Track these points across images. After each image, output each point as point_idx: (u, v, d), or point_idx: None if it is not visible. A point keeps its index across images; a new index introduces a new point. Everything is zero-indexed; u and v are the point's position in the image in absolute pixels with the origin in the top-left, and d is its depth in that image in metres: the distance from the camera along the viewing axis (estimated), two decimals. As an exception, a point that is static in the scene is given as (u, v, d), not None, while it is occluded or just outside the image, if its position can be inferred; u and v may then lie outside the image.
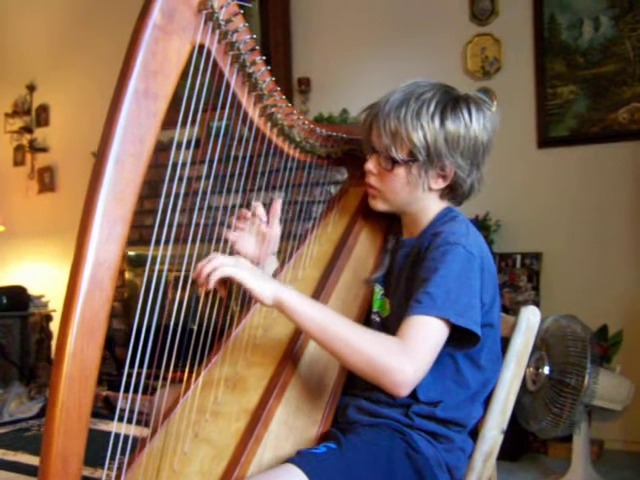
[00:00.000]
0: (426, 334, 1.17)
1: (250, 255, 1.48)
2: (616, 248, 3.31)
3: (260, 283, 1.16)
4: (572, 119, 3.42)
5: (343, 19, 4.08)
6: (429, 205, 1.38)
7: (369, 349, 1.15)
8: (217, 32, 1.10)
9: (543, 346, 2.63)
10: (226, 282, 1.18)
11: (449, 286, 1.20)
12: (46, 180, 5.30)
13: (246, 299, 1.39)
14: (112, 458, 1.02)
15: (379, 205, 1.43)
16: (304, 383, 1.29)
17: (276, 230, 1.49)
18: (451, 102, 1.32)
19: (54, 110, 5.32)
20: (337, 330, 1.16)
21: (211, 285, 1.14)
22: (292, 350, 1.32)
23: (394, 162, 1.34)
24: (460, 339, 1.22)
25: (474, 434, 1.35)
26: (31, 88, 5.37)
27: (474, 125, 1.31)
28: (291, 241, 1.62)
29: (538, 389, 2.61)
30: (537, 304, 3.26)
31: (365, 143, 1.43)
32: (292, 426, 1.22)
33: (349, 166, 1.71)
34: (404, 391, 1.15)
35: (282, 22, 4.19)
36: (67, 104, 5.22)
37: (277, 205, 1.47)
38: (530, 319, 1.32)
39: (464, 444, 1.33)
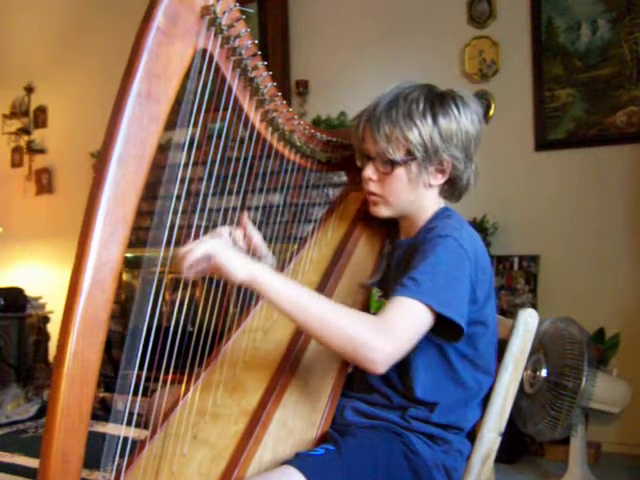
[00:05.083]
0: (407, 315, 1.17)
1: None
2: (613, 251, 3.31)
3: (234, 257, 1.13)
4: (570, 122, 3.42)
5: (341, 22, 4.09)
6: (428, 203, 1.39)
7: (347, 326, 1.14)
8: (219, 37, 1.10)
9: (540, 349, 2.64)
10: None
11: (436, 275, 1.20)
12: (44, 182, 5.30)
13: (245, 302, 1.40)
14: (112, 460, 1.02)
15: (382, 211, 1.42)
16: (303, 385, 1.29)
17: (255, 235, 1.45)
18: (438, 99, 1.34)
19: (52, 111, 5.32)
20: (313, 308, 1.15)
21: (192, 260, 1.10)
22: (291, 352, 1.32)
23: (393, 164, 1.34)
24: (445, 330, 1.21)
25: (472, 436, 1.35)
26: (29, 89, 5.38)
27: (463, 119, 1.34)
28: (287, 243, 1.62)
29: (535, 392, 2.62)
30: (534, 307, 3.27)
31: (358, 152, 1.44)
32: (291, 428, 1.22)
33: (349, 171, 1.71)
34: (381, 368, 1.14)
35: (280, 24, 4.20)
36: (65, 106, 5.22)
37: (244, 219, 1.44)
38: (528, 322, 1.32)
39: (462, 446, 1.33)
